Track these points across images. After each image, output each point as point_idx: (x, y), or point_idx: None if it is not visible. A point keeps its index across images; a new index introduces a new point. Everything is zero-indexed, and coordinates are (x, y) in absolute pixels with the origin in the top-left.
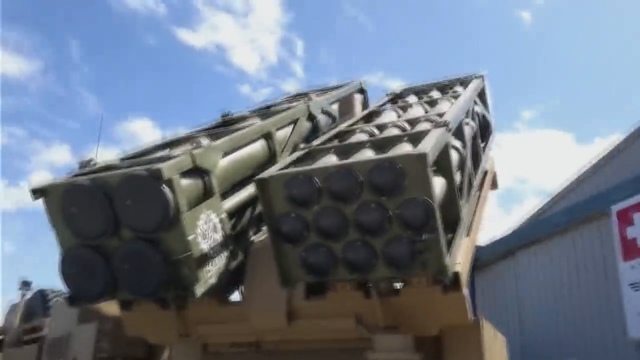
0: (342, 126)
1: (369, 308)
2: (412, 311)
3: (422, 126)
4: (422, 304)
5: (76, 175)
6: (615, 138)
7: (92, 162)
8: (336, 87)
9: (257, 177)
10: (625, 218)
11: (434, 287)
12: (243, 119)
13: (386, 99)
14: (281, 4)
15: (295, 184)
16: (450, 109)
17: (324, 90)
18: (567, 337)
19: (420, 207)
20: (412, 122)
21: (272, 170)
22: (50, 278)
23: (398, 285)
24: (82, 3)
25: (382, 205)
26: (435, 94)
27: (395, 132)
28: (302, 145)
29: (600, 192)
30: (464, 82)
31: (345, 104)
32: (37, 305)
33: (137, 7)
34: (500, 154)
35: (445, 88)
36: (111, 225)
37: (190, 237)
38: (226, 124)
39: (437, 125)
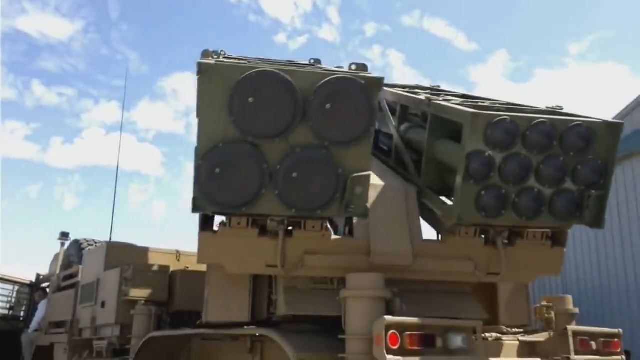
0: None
1: (483, 255)
2: (518, 261)
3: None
4: (530, 256)
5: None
6: None
7: (222, 53)
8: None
9: (466, 110)
10: None
11: (546, 242)
12: None
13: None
14: None
15: (501, 126)
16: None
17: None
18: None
19: (600, 168)
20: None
21: (468, 109)
22: (105, 230)
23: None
24: None
25: (566, 160)
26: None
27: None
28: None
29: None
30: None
31: None
32: (72, 254)
33: None
34: (549, 91)
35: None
36: (293, 126)
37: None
38: None
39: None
